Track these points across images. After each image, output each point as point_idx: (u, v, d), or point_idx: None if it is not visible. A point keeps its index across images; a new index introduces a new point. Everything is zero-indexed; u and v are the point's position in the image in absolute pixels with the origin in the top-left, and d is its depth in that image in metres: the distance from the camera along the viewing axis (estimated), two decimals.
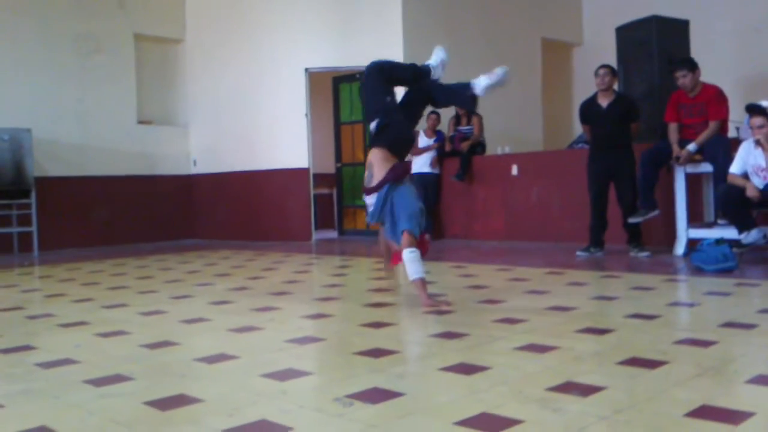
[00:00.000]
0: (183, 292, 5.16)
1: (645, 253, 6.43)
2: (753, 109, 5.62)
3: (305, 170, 9.76)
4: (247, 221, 10.34)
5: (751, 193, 5.43)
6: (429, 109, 9.14)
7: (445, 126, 9.40)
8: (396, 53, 9.52)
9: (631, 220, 6.46)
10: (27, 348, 3.42)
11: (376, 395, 2.40)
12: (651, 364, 2.69)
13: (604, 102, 6.60)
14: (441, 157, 9.20)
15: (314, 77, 9.93)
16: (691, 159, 6.20)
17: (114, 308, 4.55)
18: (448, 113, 9.38)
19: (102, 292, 5.37)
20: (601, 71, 6.61)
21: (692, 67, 6.22)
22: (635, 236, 6.55)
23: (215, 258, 7.88)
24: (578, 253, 6.66)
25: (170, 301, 4.78)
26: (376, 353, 3.01)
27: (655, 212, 6.36)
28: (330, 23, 9.72)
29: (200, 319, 4.05)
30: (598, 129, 6.60)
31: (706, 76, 6.71)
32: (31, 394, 2.61)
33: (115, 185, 10.00)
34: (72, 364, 3.02)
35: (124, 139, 10.16)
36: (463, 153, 8.90)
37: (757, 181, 5.51)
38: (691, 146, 6.14)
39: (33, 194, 8.91)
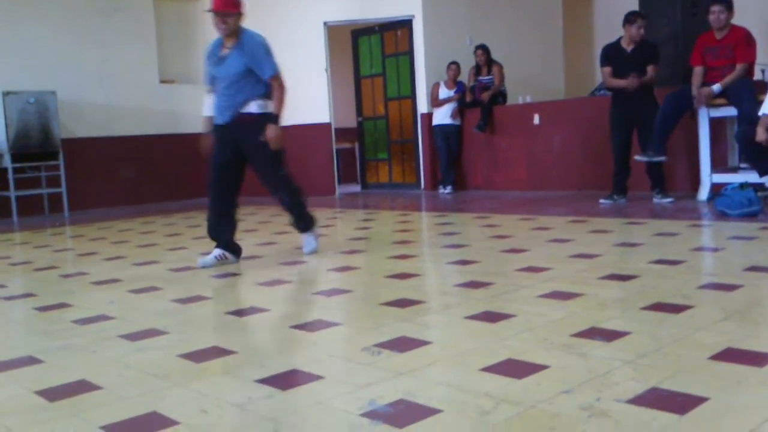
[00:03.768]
0: (211, 248, 5.23)
1: (668, 199, 6.41)
2: None
3: (327, 125, 9.76)
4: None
5: (761, 137, 5.34)
6: (449, 59, 9.17)
7: (465, 76, 9.32)
8: (415, 4, 9.42)
9: (637, 158, 6.42)
10: (63, 306, 3.52)
11: (403, 344, 2.46)
12: (675, 309, 2.72)
13: (628, 47, 6.50)
14: (462, 108, 9.16)
15: (333, 31, 9.86)
16: (710, 100, 6.10)
17: (145, 265, 4.65)
18: (468, 63, 9.30)
19: (132, 249, 5.48)
20: (640, 21, 6.42)
21: (729, 5, 6.07)
22: (659, 182, 6.51)
23: (241, 214, 7.90)
24: (601, 201, 6.65)
25: (199, 257, 4.86)
26: (403, 303, 3.07)
27: (662, 158, 6.30)
28: None
29: (229, 274, 4.13)
30: (623, 73, 6.49)
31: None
32: (70, 350, 2.71)
33: (141, 144, 10.08)
34: (107, 320, 3.12)
35: (148, 98, 10.20)
36: (483, 103, 8.84)
37: None
38: (716, 86, 6.04)
39: (60, 156, 9.01)
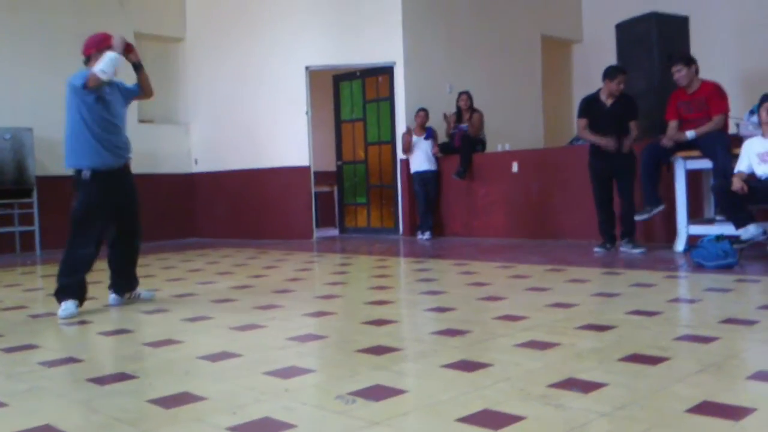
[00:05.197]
0: (185, 291, 5.18)
1: (639, 250, 6.45)
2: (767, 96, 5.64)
3: (306, 168, 9.77)
4: (248, 219, 10.35)
5: (736, 185, 5.44)
6: (429, 105, 9.27)
7: (440, 121, 9.42)
8: (396, 51, 9.54)
9: (638, 217, 6.46)
10: (30, 347, 3.43)
11: (378, 392, 2.42)
12: (652, 360, 2.71)
13: (607, 100, 6.59)
14: (442, 148, 9.25)
15: (315, 75, 9.94)
16: (679, 138, 6.19)
17: (117, 306, 4.56)
18: (446, 110, 9.40)
19: (104, 290, 5.36)
20: (620, 77, 6.51)
21: (688, 62, 6.23)
22: (629, 231, 6.56)
23: (217, 256, 7.89)
24: (595, 249, 6.65)
25: (173, 299, 4.80)
26: (378, 351, 3.03)
27: (661, 207, 6.36)
28: (330, 21, 9.73)
29: (203, 318, 4.07)
30: (601, 127, 6.57)
31: (707, 72, 6.72)
32: (36, 393, 2.63)
33: None
34: (76, 363, 3.04)
35: None
36: (463, 150, 8.92)
37: (764, 168, 5.51)
38: (690, 132, 6.15)
39: (35, 193, 8.92)
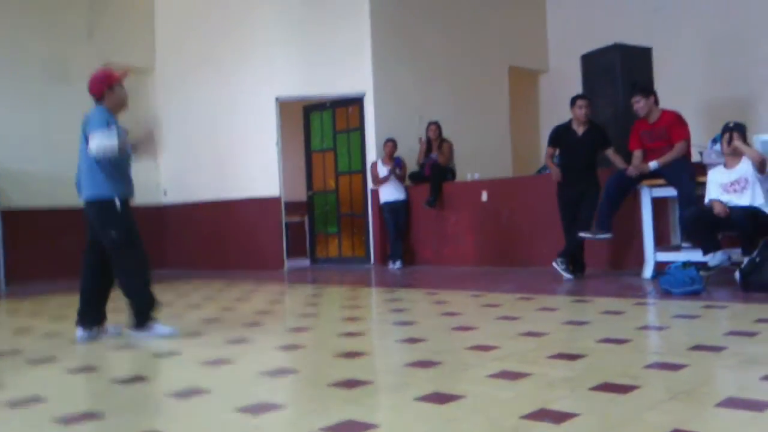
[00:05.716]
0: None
1: (568, 276, 6.59)
2: (729, 126, 5.77)
3: (277, 199, 9.75)
4: (218, 251, 10.28)
5: (717, 209, 5.55)
6: (399, 135, 9.33)
7: (410, 151, 9.48)
8: (365, 82, 9.61)
9: (582, 234, 6.54)
10: None
11: (350, 428, 2.40)
12: (623, 389, 2.72)
13: (579, 129, 6.69)
14: (412, 177, 9.31)
15: (285, 105, 9.97)
16: (644, 170, 6.30)
17: (84, 344, 4.48)
18: (415, 140, 9.47)
19: (72, 325, 5.27)
20: (580, 102, 6.65)
21: (646, 93, 6.38)
22: (567, 251, 6.67)
23: (187, 289, 7.81)
24: (566, 276, 6.70)
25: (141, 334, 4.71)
26: (351, 384, 3.01)
27: (607, 235, 6.45)
28: (300, 52, 9.79)
29: (172, 353, 4.01)
30: (571, 155, 6.66)
31: (671, 100, 6.88)
32: None
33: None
34: (40, 403, 2.97)
35: None
36: (433, 179, 8.98)
37: (727, 198, 5.62)
38: (653, 163, 6.26)
39: (0, 226, 8.77)
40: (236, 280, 8.44)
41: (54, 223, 9.58)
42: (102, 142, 4.27)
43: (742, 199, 5.59)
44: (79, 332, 4.54)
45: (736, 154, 5.66)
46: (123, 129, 4.55)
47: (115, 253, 4.48)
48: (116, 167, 4.45)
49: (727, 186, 5.68)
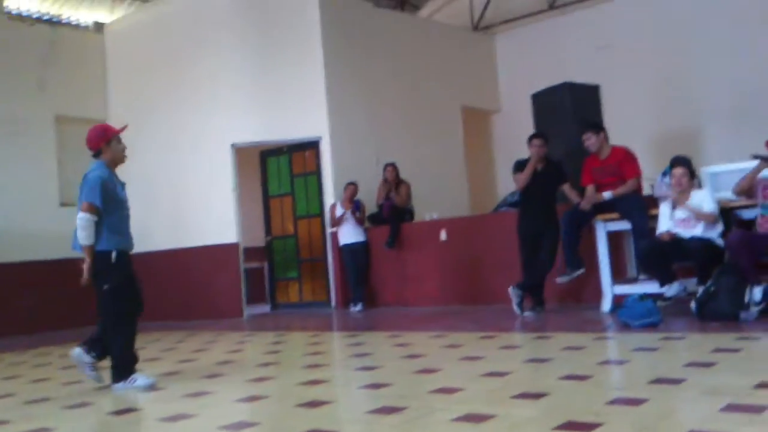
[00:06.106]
0: (110, 380, 4.96)
1: (528, 312, 6.65)
2: (676, 160, 5.91)
3: (235, 245, 9.66)
4: (176, 300, 10.09)
5: (664, 238, 5.69)
6: (356, 178, 9.36)
7: (369, 194, 9.51)
8: (321, 126, 9.66)
9: (559, 280, 6.61)
10: None
11: None
12: (587, 426, 2.72)
13: (538, 165, 6.77)
14: (371, 220, 9.32)
15: (241, 150, 9.94)
16: (597, 200, 6.40)
17: (36, 403, 4.34)
18: (374, 182, 9.51)
19: (24, 385, 5.12)
20: (536, 141, 6.72)
21: (597, 130, 6.54)
22: (527, 286, 6.72)
23: (144, 341, 7.62)
24: (526, 313, 6.71)
25: (97, 392, 4.59)
26: None
27: (581, 270, 6.52)
28: (255, 99, 9.80)
29: (129, 410, 3.90)
30: (532, 191, 6.74)
31: (620, 135, 7.05)
32: None
33: (38, 270, 9.66)
34: None
35: (46, 222, 9.86)
36: (391, 221, 9.01)
37: (679, 231, 5.74)
38: (607, 193, 6.38)
39: None
40: (196, 330, 8.29)
41: (4, 278, 9.34)
42: (84, 235, 4.55)
43: (694, 232, 5.71)
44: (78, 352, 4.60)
45: (685, 193, 5.81)
46: (121, 183, 4.77)
47: (104, 304, 4.61)
48: (114, 220, 4.65)
49: (678, 222, 5.80)
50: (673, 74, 10.28)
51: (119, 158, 4.78)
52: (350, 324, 7.80)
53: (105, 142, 4.65)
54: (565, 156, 7.40)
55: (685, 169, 5.81)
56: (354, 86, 10.09)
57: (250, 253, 10.63)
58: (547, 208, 6.73)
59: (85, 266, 4.52)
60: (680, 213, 5.81)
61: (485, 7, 12.44)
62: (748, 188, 5.69)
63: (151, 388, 4.46)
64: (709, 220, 5.65)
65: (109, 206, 4.62)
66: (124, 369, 4.55)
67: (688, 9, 10.30)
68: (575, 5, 11.54)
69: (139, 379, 4.52)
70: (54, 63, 10.32)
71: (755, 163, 5.69)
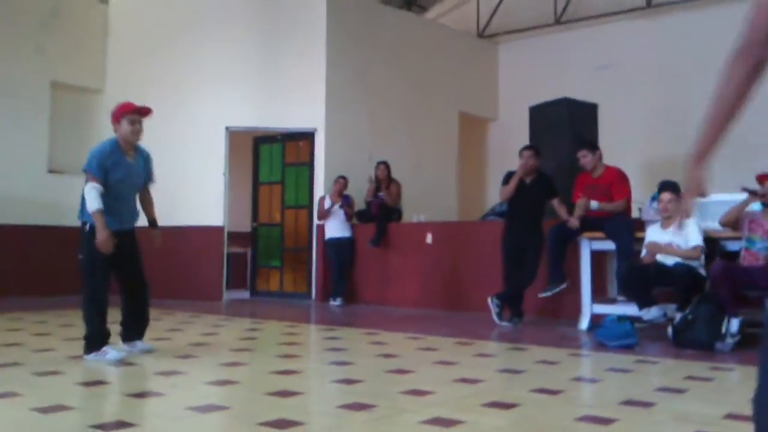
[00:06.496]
0: (82, 352, 4.93)
1: (505, 322, 6.69)
2: (664, 185, 5.94)
3: (220, 228, 9.63)
4: (156, 277, 9.98)
5: (647, 260, 5.73)
6: (348, 172, 9.35)
7: (360, 190, 9.50)
8: (317, 118, 9.64)
9: (542, 294, 6.63)
10: None
11: None
12: None
13: (527, 178, 6.79)
14: (359, 216, 9.32)
15: (235, 135, 9.91)
16: (585, 208, 6.44)
17: (5, 367, 4.30)
18: (364, 177, 9.50)
19: None
20: (527, 153, 6.74)
21: (593, 148, 6.56)
22: (505, 296, 6.74)
23: (120, 316, 7.57)
24: (502, 323, 6.72)
25: (68, 361, 4.56)
26: (281, 424, 2.95)
27: (564, 285, 6.55)
28: (254, 83, 9.77)
29: (99, 382, 3.88)
30: (519, 203, 6.75)
31: (613, 157, 7.06)
32: None
33: (20, 234, 9.59)
34: None
35: (33, 187, 9.80)
36: (379, 219, 9.00)
37: (663, 256, 5.78)
38: (594, 203, 6.41)
39: None
40: (172, 309, 8.24)
41: None
42: (88, 202, 4.62)
43: (677, 259, 5.74)
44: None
45: (673, 217, 5.84)
46: (128, 162, 4.83)
47: (81, 274, 4.79)
48: (110, 198, 4.72)
49: (663, 245, 5.83)
50: (671, 100, 10.33)
51: (127, 138, 4.81)
52: (328, 318, 7.79)
53: (115, 120, 4.77)
54: (557, 171, 7.43)
55: (672, 194, 5.83)
56: (354, 81, 10.07)
57: (235, 237, 10.60)
58: (533, 222, 6.75)
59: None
60: (665, 236, 5.84)
61: (492, 15, 12.46)
62: (734, 220, 5.73)
63: (122, 362, 4.47)
64: (693, 256, 5.67)
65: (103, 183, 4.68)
66: (96, 340, 4.59)
67: (690, 38, 10.35)
68: (581, 22, 11.58)
69: (111, 352, 4.54)
70: (55, 28, 10.23)
71: (744, 196, 5.73)
